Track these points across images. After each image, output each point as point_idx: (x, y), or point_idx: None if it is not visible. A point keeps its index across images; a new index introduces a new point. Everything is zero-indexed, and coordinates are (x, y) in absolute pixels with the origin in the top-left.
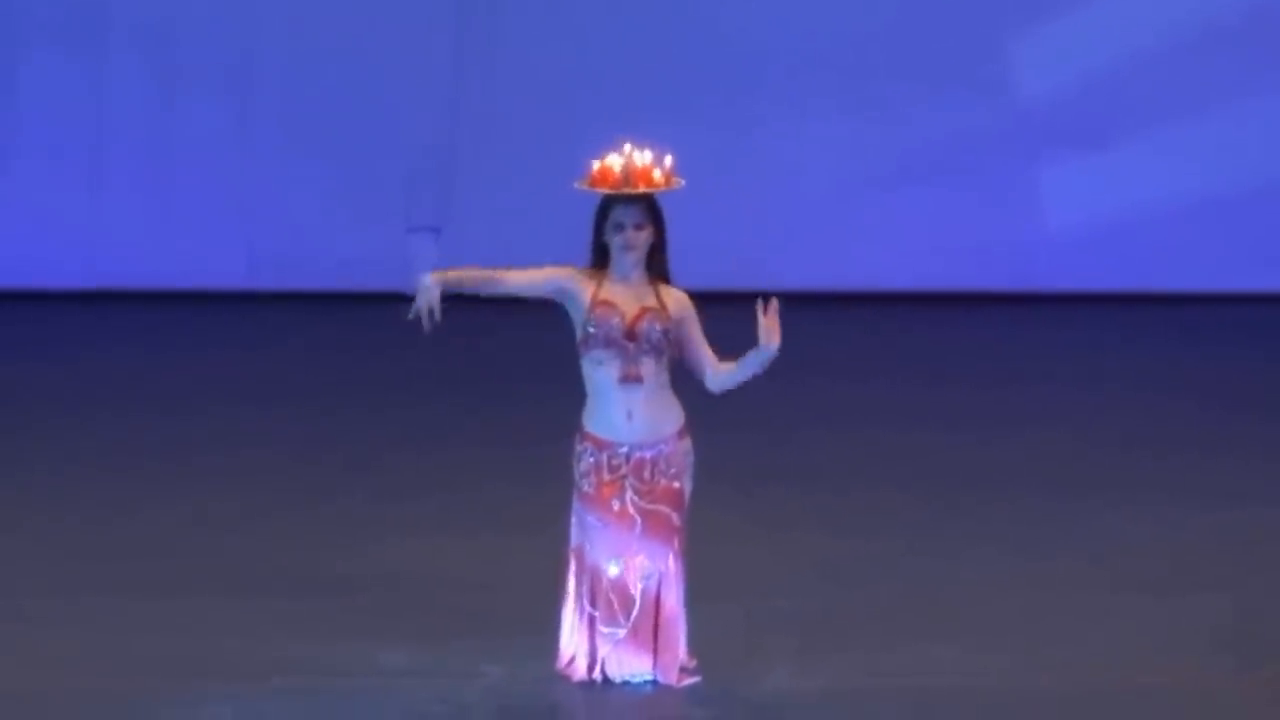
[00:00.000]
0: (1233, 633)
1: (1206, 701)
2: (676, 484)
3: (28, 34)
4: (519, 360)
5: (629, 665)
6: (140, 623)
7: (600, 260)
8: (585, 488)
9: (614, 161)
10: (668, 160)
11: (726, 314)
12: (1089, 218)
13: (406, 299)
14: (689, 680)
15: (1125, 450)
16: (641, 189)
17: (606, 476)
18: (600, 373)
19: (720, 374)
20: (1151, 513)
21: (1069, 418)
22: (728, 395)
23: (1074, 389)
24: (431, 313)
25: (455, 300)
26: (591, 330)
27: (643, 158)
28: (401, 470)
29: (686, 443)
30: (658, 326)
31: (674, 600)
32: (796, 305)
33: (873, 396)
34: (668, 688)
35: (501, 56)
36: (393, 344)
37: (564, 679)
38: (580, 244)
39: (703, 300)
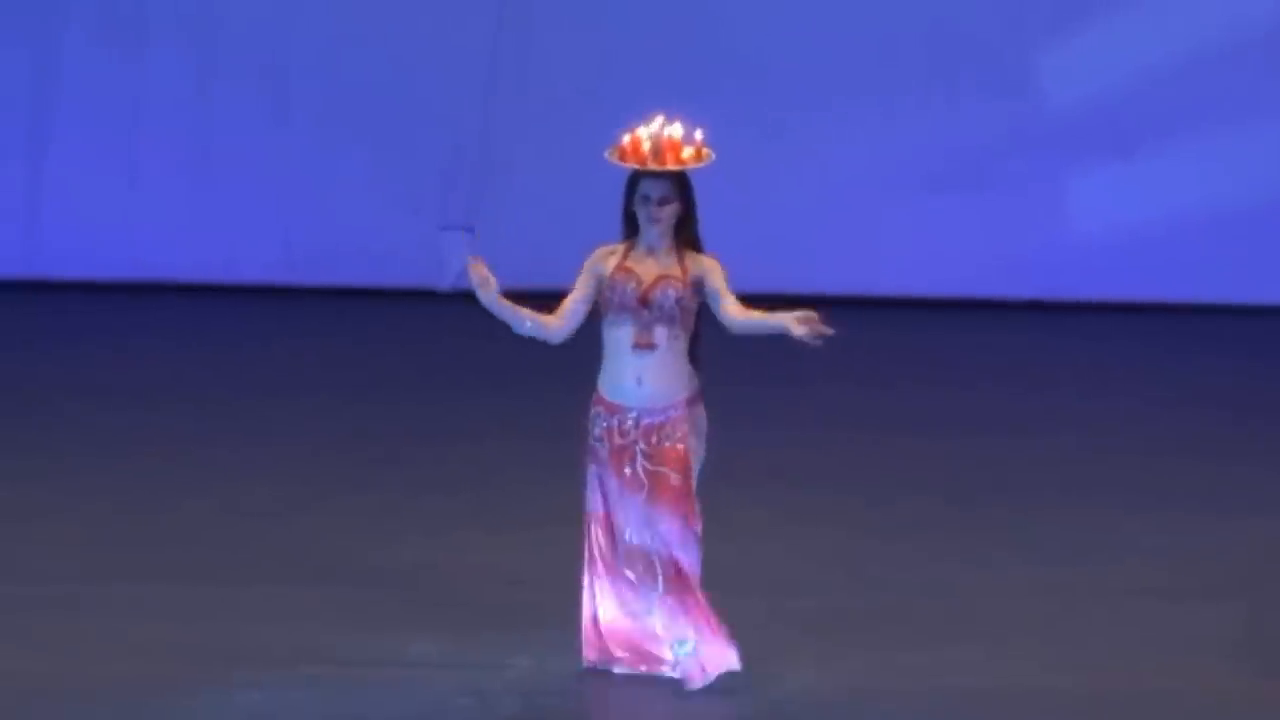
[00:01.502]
0: (1249, 639)
1: (1222, 707)
2: (680, 445)
3: (67, 27)
4: (551, 355)
5: (673, 630)
6: (173, 611)
7: (631, 229)
8: (600, 452)
9: (643, 134)
10: (698, 134)
11: None
12: (1115, 227)
13: (439, 295)
14: (724, 668)
15: (1145, 457)
16: (669, 165)
17: (618, 441)
18: (615, 337)
19: (739, 316)
20: (1170, 520)
21: (1092, 425)
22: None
23: (1097, 397)
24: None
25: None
26: (609, 294)
27: (672, 131)
28: (433, 463)
29: (698, 409)
30: (671, 293)
31: (690, 562)
32: (824, 309)
33: (898, 401)
34: (689, 681)
35: (536, 55)
36: (425, 339)
37: (590, 668)
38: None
39: None
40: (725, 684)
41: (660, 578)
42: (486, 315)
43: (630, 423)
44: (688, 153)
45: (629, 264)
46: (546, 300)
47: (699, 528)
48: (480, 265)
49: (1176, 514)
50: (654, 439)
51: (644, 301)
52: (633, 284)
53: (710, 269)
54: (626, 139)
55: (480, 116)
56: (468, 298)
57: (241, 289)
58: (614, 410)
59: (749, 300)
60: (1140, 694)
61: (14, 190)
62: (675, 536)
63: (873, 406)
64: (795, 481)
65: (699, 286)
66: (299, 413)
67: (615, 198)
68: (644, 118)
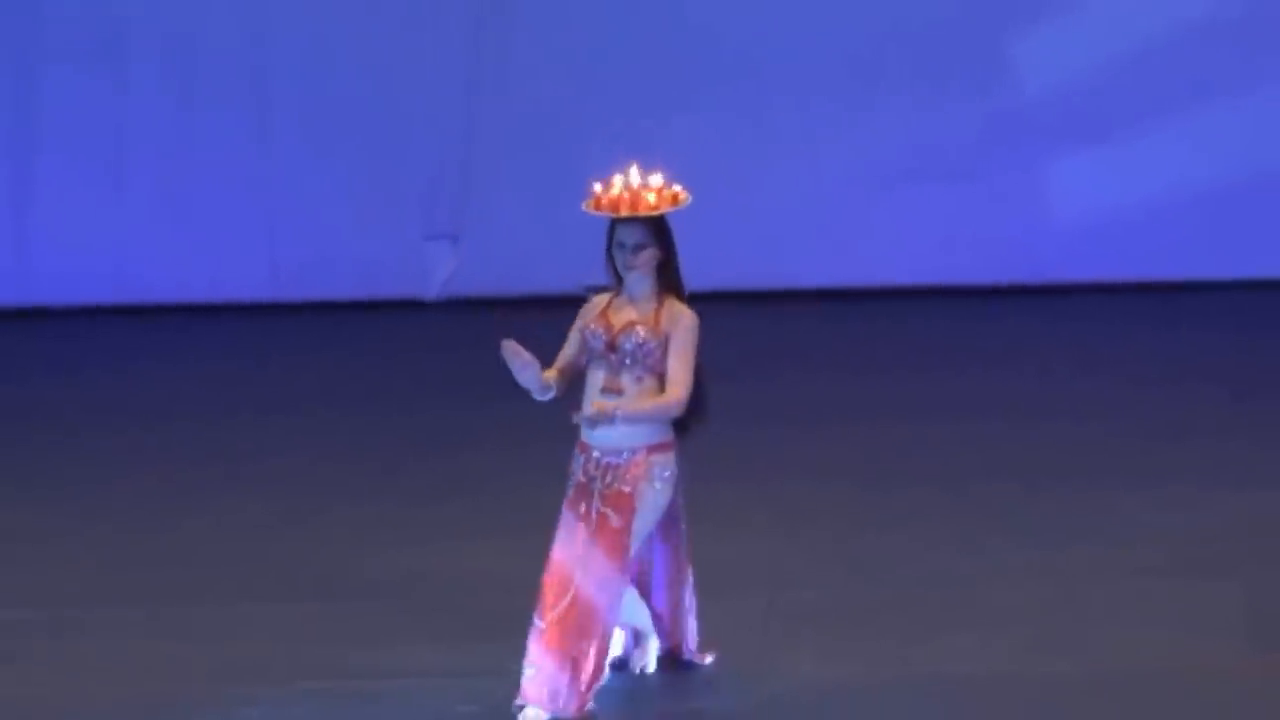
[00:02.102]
0: (1252, 618)
1: (1228, 686)
2: (627, 489)
3: (48, 47)
4: (544, 364)
5: (531, 652)
6: (170, 630)
7: (617, 277)
8: (568, 490)
9: (615, 182)
10: (674, 185)
11: (739, 312)
12: (1096, 209)
13: (426, 305)
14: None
15: (1138, 438)
16: (641, 212)
17: (582, 479)
18: (591, 381)
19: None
20: (1163, 499)
21: (1082, 407)
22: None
23: (1086, 379)
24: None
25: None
26: (588, 342)
27: (642, 179)
28: (427, 474)
29: (661, 457)
30: (634, 338)
31: (603, 607)
32: (809, 302)
33: (887, 390)
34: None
35: (518, 63)
36: (413, 349)
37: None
38: (597, 250)
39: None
40: (725, 677)
41: (555, 609)
42: (474, 323)
43: (593, 463)
44: (653, 198)
45: (609, 312)
46: (531, 307)
47: (625, 576)
48: (515, 346)
49: (1170, 493)
50: (608, 478)
51: (611, 347)
52: (603, 330)
53: (678, 329)
54: (599, 187)
55: (463, 126)
56: (454, 307)
57: (230, 307)
58: (584, 449)
59: (743, 296)
60: (1140, 675)
61: (0, 216)
62: (597, 577)
63: (865, 396)
64: (791, 474)
65: (668, 340)
66: (291, 428)
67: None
68: (620, 168)
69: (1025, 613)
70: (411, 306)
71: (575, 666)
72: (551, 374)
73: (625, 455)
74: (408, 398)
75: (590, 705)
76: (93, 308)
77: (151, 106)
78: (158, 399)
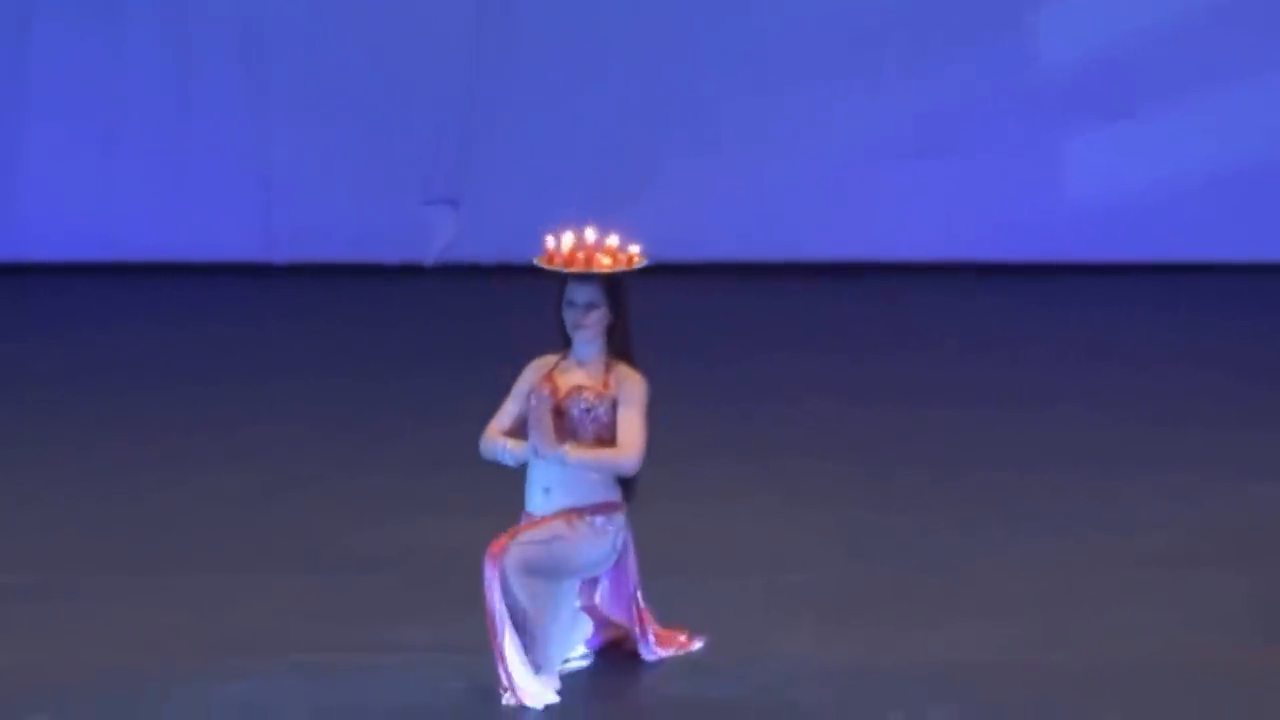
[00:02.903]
0: (1259, 607)
1: (1232, 677)
2: (575, 520)
3: (41, 4)
4: (540, 335)
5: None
6: (158, 599)
7: (566, 339)
8: None
9: (567, 239)
10: (630, 247)
11: (747, 285)
12: (1112, 188)
13: (424, 271)
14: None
15: (1148, 423)
16: (594, 269)
17: None
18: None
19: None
20: (1176, 486)
21: (1092, 390)
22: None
23: (1096, 361)
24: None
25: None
26: (531, 404)
27: (596, 237)
28: (419, 444)
29: (602, 517)
30: (581, 403)
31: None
32: (816, 276)
33: (892, 369)
34: (685, 660)
35: (521, 27)
36: (410, 315)
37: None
38: (598, 217)
39: (723, 271)
40: (723, 661)
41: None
42: (473, 290)
43: None
44: (606, 259)
45: (555, 374)
46: (530, 274)
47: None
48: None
49: (1174, 481)
50: None
51: (556, 411)
52: (548, 393)
53: (626, 393)
54: (552, 243)
55: (463, 90)
56: (453, 273)
57: (222, 267)
58: (528, 520)
59: (749, 268)
60: (1142, 665)
61: None
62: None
63: (869, 375)
64: (791, 455)
65: (616, 404)
66: (282, 394)
67: (600, 172)
68: (574, 226)
69: (1026, 600)
70: (410, 272)
71: (501, 656)
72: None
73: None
74: (404, 365)
75: (548, 688)
76: (84, 265)
77: (147, 66)
78: (148, 360)
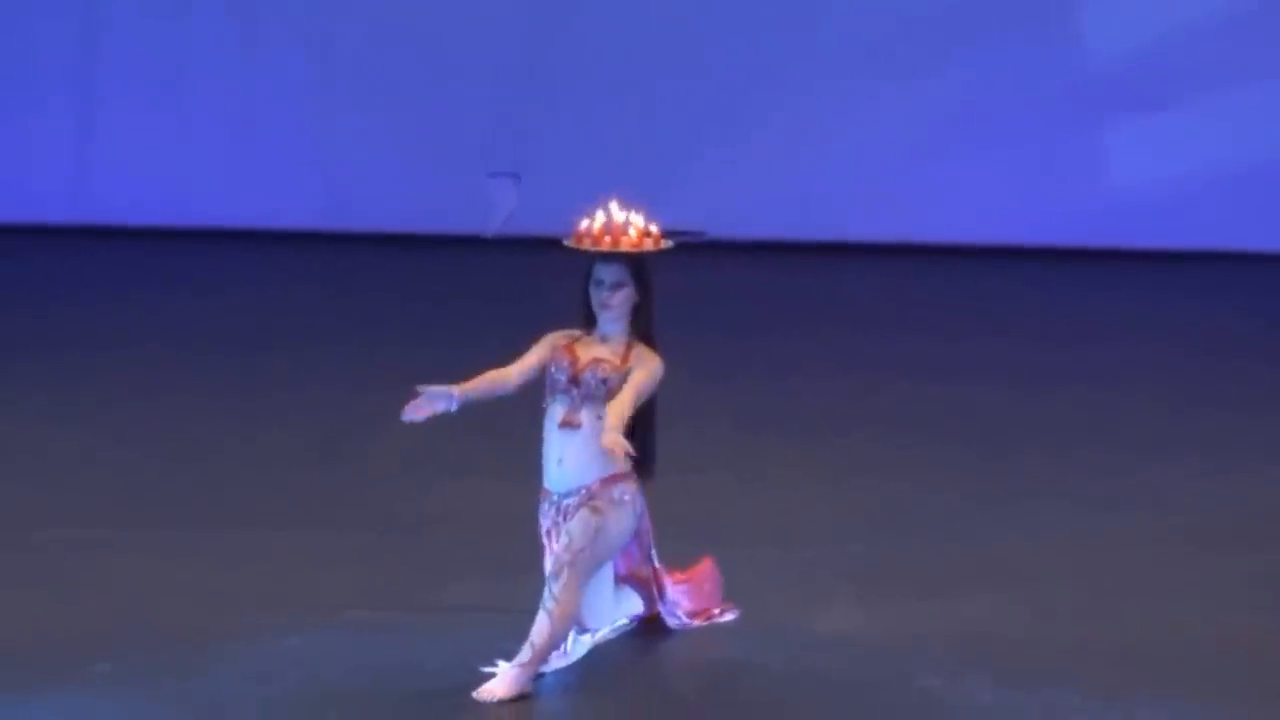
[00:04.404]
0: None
1: (1262, 653)
2: (585, 511)
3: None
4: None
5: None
6: (210, 555)
7: (590, 318)
8: (542, 539)
9: (596, 218)
10: (653, 226)
11: (791, 265)
12: (1154, 176)
13: (485, 242)
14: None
15: (1186, 407)
16: (622, 248)
17: (549, 525)
18: (549, 416)
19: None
20: (1208, 467)
21: (1131, 374)
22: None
23: (1136, 345)
24: (426, 414)
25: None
26: (550, 373)
27: (624, 216)
28: (472, 410)
29: (620, 488)
30: (599, 374)
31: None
32: (860, 257)
33: (929, 349)
34: (716, 630)
35: (582, 1)
36: (472, 286)
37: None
38: (659, 189)
39: (771, 250)
40: (757, 631)
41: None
42: (533, 261)
43: (553, 506)
44: (633, 234)
45: (576, 346)
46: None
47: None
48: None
49: (1210, 461)
50: (570, 515)
51: (573, 380)
52: (567, 363)
53: (644, 362)
54: (583, 224)
55: (525, 64)
56: (514, 244)
57: (285, 235)
58: (545, 495)
59: (796, 249)
60: (1172, 640)
61: (63, 138)
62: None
63: (906, 353)
64: (827, 431)
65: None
66: (340, 357)
67: (657, 144)
68: (600, 203)
69: (1058, 575)
70: (470, 243)
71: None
72: (468, 385)
73: (581, 493)
74: (462, 334)
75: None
76: (150, 230)
77: (212, 36)
78: (211, 323)
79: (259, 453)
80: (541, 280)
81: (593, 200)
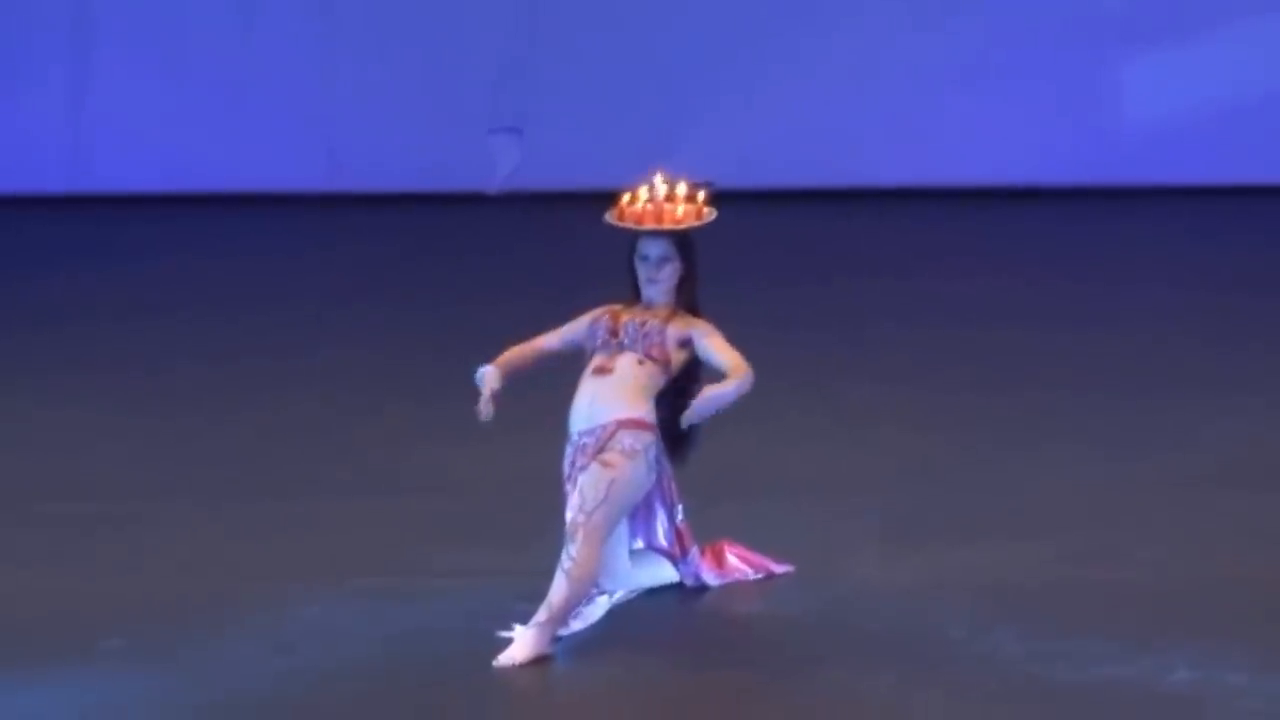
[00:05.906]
0: None
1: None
2: (607, 455)
3: None
4: (605, 257)
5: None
6: (227, 524)
7: (636, 291)
8: (566, 486)
9: (641, 194)
10: (699, 193)
11: (805, 211)
12: (1167, 112)
13: (488, 198)
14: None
15: (1202, 344)
16: (666, 226)
17: (568, 470)
18: (585, 370)
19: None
20: (1231, 407)
21: (1154, 313)
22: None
23: (1160, 285)
24: (493, 398)
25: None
26: (592, 334)
27: (669, 189)
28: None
29: (634, 435)
30: (637, 322)
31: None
32: (874, 200)
33: (955, 292)
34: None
35: None
36: (476, 244)
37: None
38: (662, 144)
39: (785, 199)
40: (784, 583)
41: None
42: (537, 218)
43: (574, 447)
44: (682, 210)
45: (621, 313)
46: (594, 201)
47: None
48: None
49: (1233, 401)
50: (588, 455)
51: (613, 332)
52: (608, 319)
53: (702, 331)
54: (626, 198)
55: (527, 18)
56: (517, 200)
57: (287, 197)
58: (569, 439)
59: (807, 194)
60: (1201, 583)
61: (59, 104)
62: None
63: (929, 299)
64: (852, 379)
65: (684, 343)
66: (348, 321)
67: (665, 94)
68: (645, 177)
69: (1086, 520)
70: (474, 200)
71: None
72: (503, 363)
73: (598, 432)
74: (468, 292)
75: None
76: (151, 196)
77: (210, 1)
78: (217, 290)
79: (269, 421)
80: (547, 235)
81: (599, 153)
